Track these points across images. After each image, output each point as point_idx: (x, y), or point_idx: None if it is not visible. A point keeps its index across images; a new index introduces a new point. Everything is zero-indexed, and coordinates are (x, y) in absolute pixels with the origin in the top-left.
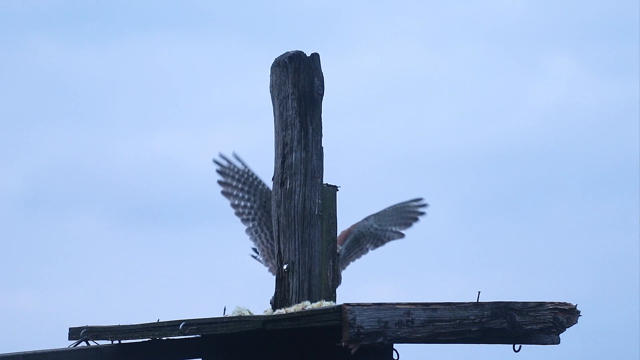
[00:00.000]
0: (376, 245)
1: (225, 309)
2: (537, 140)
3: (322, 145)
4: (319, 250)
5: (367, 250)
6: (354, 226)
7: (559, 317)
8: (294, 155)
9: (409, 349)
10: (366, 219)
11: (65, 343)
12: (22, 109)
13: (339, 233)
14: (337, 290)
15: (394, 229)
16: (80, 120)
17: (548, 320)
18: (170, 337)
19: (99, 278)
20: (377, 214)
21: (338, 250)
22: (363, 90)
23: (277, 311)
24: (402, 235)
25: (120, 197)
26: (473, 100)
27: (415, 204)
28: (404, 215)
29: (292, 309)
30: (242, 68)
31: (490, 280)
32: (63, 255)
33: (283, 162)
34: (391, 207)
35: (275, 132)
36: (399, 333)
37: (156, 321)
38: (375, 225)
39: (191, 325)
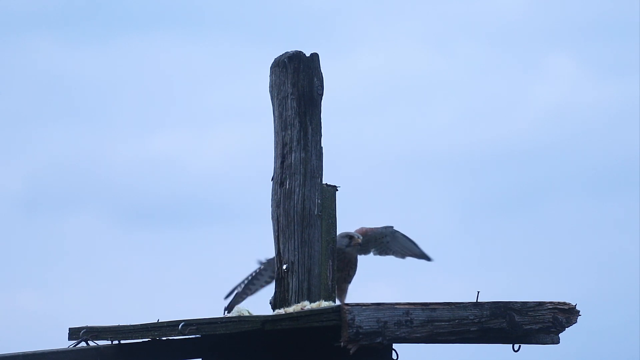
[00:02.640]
0: (380, 254)
1: (225, 309)
2: (537, 140)
3: (322, 145)
4: (318, 250)
5: (369, 252)
6: (371, 230)
7: (559, 316)
8: (293, 155)
9: (408, 349)
10: (385, 227)
11: (65, 343)
12: (22, 109)
13: (356, 228)
14: (335, 290)
15: (400, 251)
16: (80, 120)
17: (547, 320)
18: (170, 337)
19: (99, 278)
20: (398, 234)
21: (359, 240)
22: (363, 90)
23: (277, 311)
24: (403, 257)
25: (120, 197)
26: (473, 100)
27: (424, 254)
28: (412, 252)
29: (291, 309)
30: (242, 68)
31: (490, 280)
32: (63, 255)
33: (282, 162)
34: (411, 241)
35: (275, 132)
36: (398, 333)
37: (156, 321)
38: (388, 239)
39: (191, 325)
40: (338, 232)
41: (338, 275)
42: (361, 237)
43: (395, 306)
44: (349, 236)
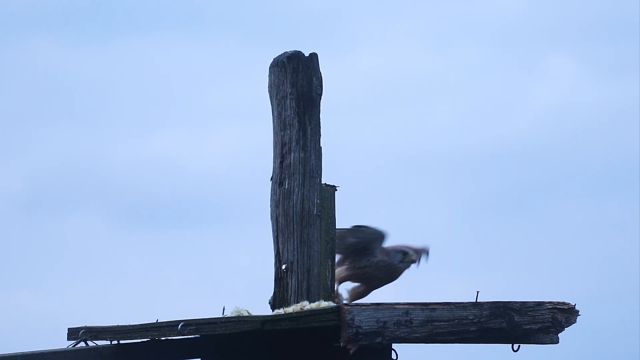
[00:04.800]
0: None
1: (224, 309)
2: (537, 140)
3: (321, 145)
4: (317, 250)
5: None
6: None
7: (558, 316)
8: (292, 155)
9: (408, 349)
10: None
11: (64, 343)
12: (22, 109)
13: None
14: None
15: None
16: (80, 120)
17: (547, 320)
18: (169, 337)
19: (99, 278)
20: None
21: (413, 258)
22: (362, 90)
23: (276, 311)
24: None
25: (120, 197)
26: (473, 100)
27: None
28: None
29: (290, 309)
30: (242, 68)
31: (489, 280)
32: (63, 255)
33: (282, 162)
34: None
35: (274, 132)
36: (398, 333)
37: (155, 321)
38: None
39: (190, 325)
40: (390, 245)
41: (375, 284)
42: (416, 255)
43: (395, 306)
44: (403, 252)
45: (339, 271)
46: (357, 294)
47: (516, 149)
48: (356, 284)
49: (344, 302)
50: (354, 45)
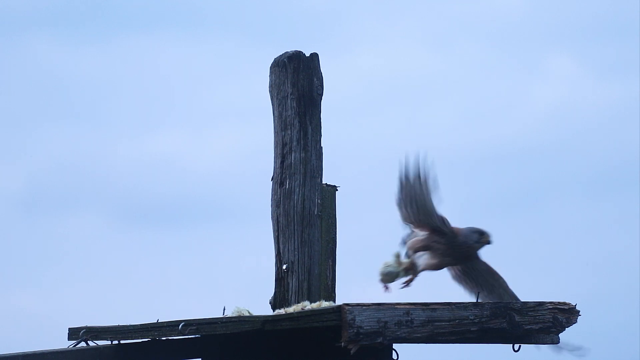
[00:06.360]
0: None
1: (224, 309)
2: (537, 140)
3: (322, 145)
4: (318, 250)
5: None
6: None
7: (559, 316)
8: (293, 155)
9: (409, 349)
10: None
11: (64, 343)
12: (22, 109)
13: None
14: (335, 290)
15: None
16: (80, 120)
17: (547, 320)
18: (170, 337)
19: (99, 278)
20: None
21: (489, 239)
22: (363, 90)
23: (277, 311)
24: None
25: (120, 197)
26: (473, 100)
27: None
28: None
29: (291, 309)
30: (242, 68)
31: None
32: (63, 256)
33: (282, 162)
34: None
35: (275, 132)
36: (399, 333)
37: (155, 321)
38: None
39: (190, 325)
40: (467, 226)
41: (447, 261)
42: (491, 237)
43: (396, 306)
44: (480, 232)
45: (415, 241)
46: (431, 265)
47: (516, 149)
48: (433, 261)
49: (418, 271)
50: (354, 45)
